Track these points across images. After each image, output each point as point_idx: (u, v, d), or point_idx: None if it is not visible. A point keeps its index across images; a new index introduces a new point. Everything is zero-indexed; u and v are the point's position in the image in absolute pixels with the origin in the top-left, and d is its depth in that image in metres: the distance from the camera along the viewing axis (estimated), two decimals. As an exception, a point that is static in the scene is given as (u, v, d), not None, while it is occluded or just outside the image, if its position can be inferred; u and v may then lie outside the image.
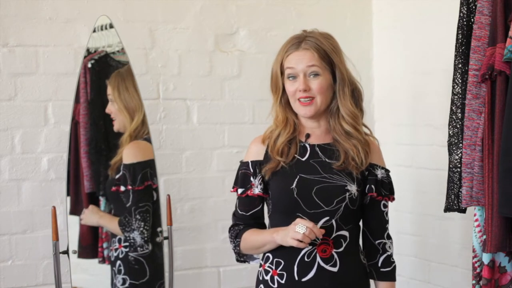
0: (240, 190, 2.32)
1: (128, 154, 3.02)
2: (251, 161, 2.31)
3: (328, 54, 2.26)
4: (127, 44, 3.10)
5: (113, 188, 3.02)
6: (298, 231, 2.13)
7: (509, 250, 2.30)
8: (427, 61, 3.33)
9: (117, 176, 3.02)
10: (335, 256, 2.22)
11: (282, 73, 2.30)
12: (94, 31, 3.04)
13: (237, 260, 2.39)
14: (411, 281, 3.45)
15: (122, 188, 3.01)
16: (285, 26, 3.48)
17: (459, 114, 2.47)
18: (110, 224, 3.04)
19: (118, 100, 3.03)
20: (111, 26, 3.05)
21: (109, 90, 3.05)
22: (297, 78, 2.25)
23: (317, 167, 2.25)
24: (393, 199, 2.34)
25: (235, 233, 2.33)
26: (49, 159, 3.10)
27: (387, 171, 2.32)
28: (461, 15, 2.45)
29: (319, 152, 2.28)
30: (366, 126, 2.35)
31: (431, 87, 3.32)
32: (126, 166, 3.01)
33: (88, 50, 3.04)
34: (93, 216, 3.04)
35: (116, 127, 3.05)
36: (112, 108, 3.04)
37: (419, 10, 3.37)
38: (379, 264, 2.30)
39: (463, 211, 2.50)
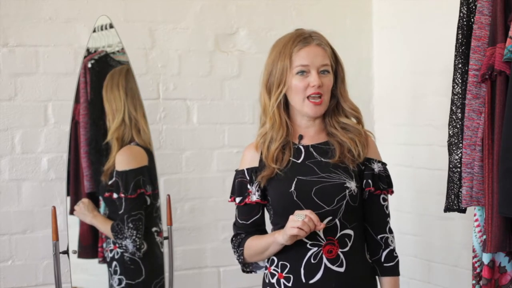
0: (238, 199, 2.29)
1: (121, 160, 3.00)
2: (247, 169, 2.29)
3: (334, 53, 2.27)
4: (127, 44, 3.09)
5: (106, 194, 3.02)
6: (297, 219, 2.10)
7: (509, 250, 2.29)
8: (427, 61, 3.32)
9: (110, 182, 3.01)
10: (341, 256, 2.21)
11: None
12: (94, 31, 3.04)
13: (243, 271, 2.38)
14: (411, 281, 3.45)
15: (115, 195, 3.00)
16: (285, 26, 3.46)
17: (459, 114, 2.47)
18: (103, 226, 3.03)
19: (105, 100, 3.03)
20: (111, 26, 3.05)
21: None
22: (308, 74, 2.21)
23: (313, 167, 2.23)
24: (392, 192, 2.31)
25: (237, 242, 2.30)
26: (49, 159, 3.10)
27: (384, 164, 2.30)
28: (461, 15, 2.45)
29: (313, 152, 2.26)
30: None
31: (431, 87, 3.31)
32: (119, 173, 3.00)
33: (88, 50, 3.04)
34: (87, 213, 3.02)
35: None
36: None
37: (419, 10, 3.37)
38: (382, 259, 2.27)
39: (463, 211, 2.50)
